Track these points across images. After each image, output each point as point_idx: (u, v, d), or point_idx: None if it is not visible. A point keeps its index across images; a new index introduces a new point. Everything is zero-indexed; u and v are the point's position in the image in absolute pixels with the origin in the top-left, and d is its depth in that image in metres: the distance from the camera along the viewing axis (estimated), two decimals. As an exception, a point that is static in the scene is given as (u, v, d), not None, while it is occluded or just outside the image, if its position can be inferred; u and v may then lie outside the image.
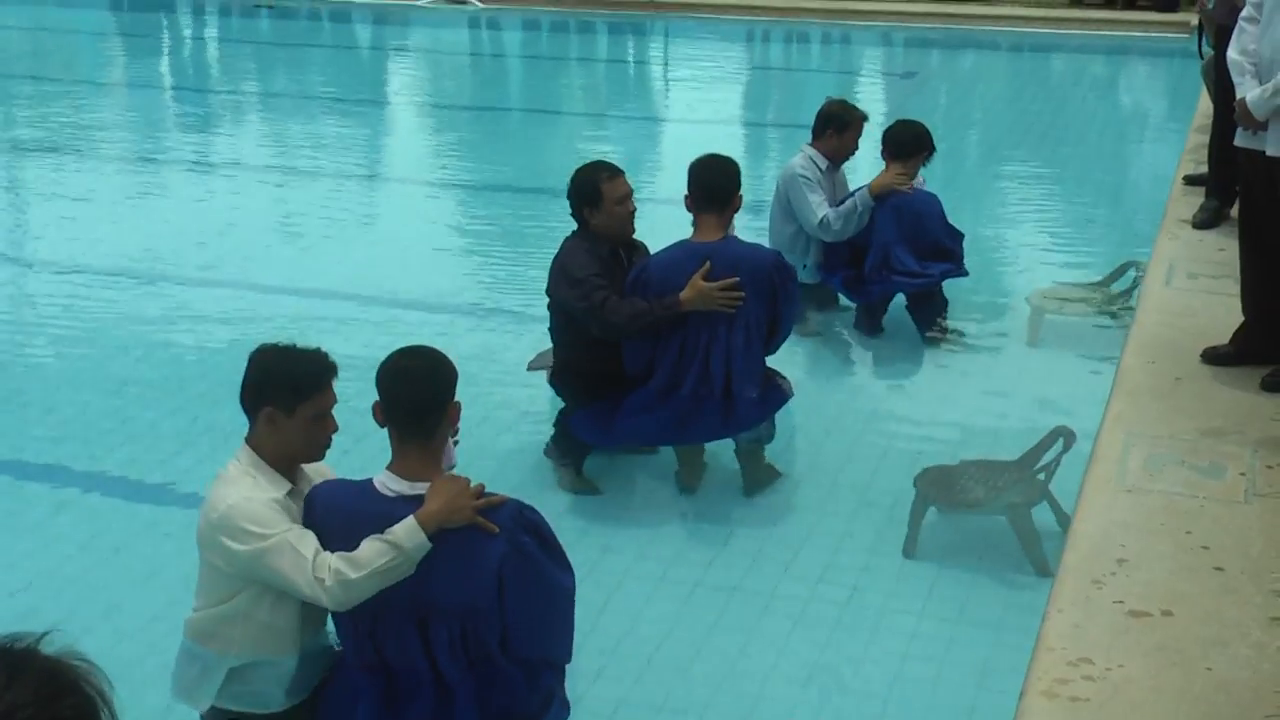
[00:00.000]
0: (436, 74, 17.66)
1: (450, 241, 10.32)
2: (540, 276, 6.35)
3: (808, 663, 5.07)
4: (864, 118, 8.07)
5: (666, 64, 18.38)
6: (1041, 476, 5.75)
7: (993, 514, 5.70)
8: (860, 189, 7.84)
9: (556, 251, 6.17)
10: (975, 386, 7.39)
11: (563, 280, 6.01)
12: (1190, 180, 8.85)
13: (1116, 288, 8.25)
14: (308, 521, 3.96)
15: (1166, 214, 8.45)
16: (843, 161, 8.14)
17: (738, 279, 5.85)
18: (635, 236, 6.31)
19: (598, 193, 6.02)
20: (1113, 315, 7.94)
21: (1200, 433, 5.56)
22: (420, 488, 3.90)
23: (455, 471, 4.18)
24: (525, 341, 7.50)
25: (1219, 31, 7.73)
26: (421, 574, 3.82)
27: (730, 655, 5.10)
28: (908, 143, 7.88)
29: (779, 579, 5.59)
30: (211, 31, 20.14)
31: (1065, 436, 5.81)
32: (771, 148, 12.90)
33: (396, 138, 14.26)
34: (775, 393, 6.16)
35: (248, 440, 4.10)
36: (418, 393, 3.99)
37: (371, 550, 3.79)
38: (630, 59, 18.70)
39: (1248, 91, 5.87)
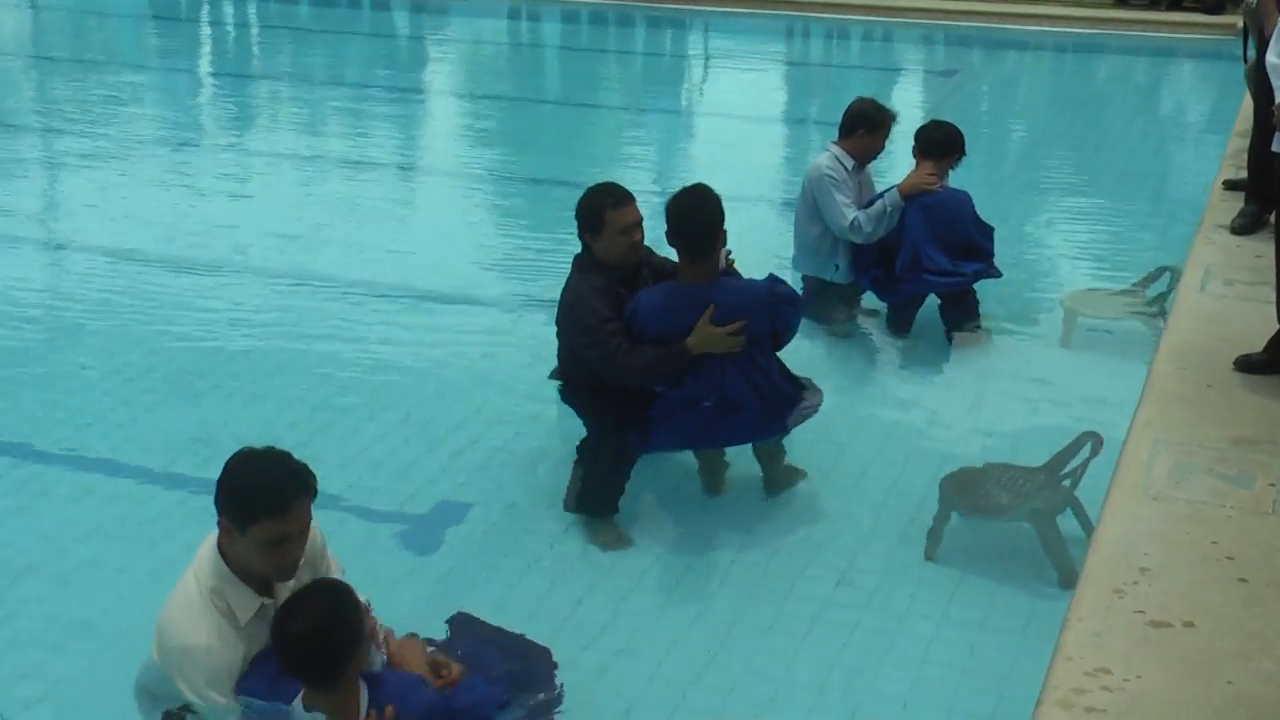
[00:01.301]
0: (474, 63, 17.67)
1: (482, 233, 10.32)
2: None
3: (825, 665, 5.03)
4: (894, 118, 8.00)
5: (705, 58, 18.34)
6: (1068, 482, 5.70)
7: (1017, 520, 5.66)
8: (890, 190, 7.79)
9: (565, 282, 5.98)
10: (1004, 389, 7.34)
11: (572, 324, 5.84)
12: (1230, 185, 8.78)
13: (1151, 292, 8.18)
14: None
15: (1205, 219, 8.38)
16: (869, 161, 8.06)
17: (744, 322, 5.70)
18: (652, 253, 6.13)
19: (600, 220, 5.78)
20: (1146, 320, 7.87)
21: (1230, 441, 5.50)
22: None
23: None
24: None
25: (1261, 36, 7.65)
26: None
27: (746, 656, 5.08)
28: (940, 142, 7.83)
29: (796, 580, 5.56)
30: (250, 16, 20.20)
31: (1093, 442, 5.75)
32: (810, 144, 12.83)
33: (432, 127, 14.26)
34: (807, 398, 6.10)
35: (218, 540, 3.91)
36: (311, 660, 3.71)
37: None
38: (668, 53, 18.67)
39: (1287, 96, 5.82)
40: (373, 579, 5.48)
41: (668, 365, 5.69)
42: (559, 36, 19.14)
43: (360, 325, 8.07)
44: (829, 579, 5.56)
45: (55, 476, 6.30)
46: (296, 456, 3.93)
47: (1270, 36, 6.19)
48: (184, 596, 3.86)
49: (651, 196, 11.34)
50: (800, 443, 6.35)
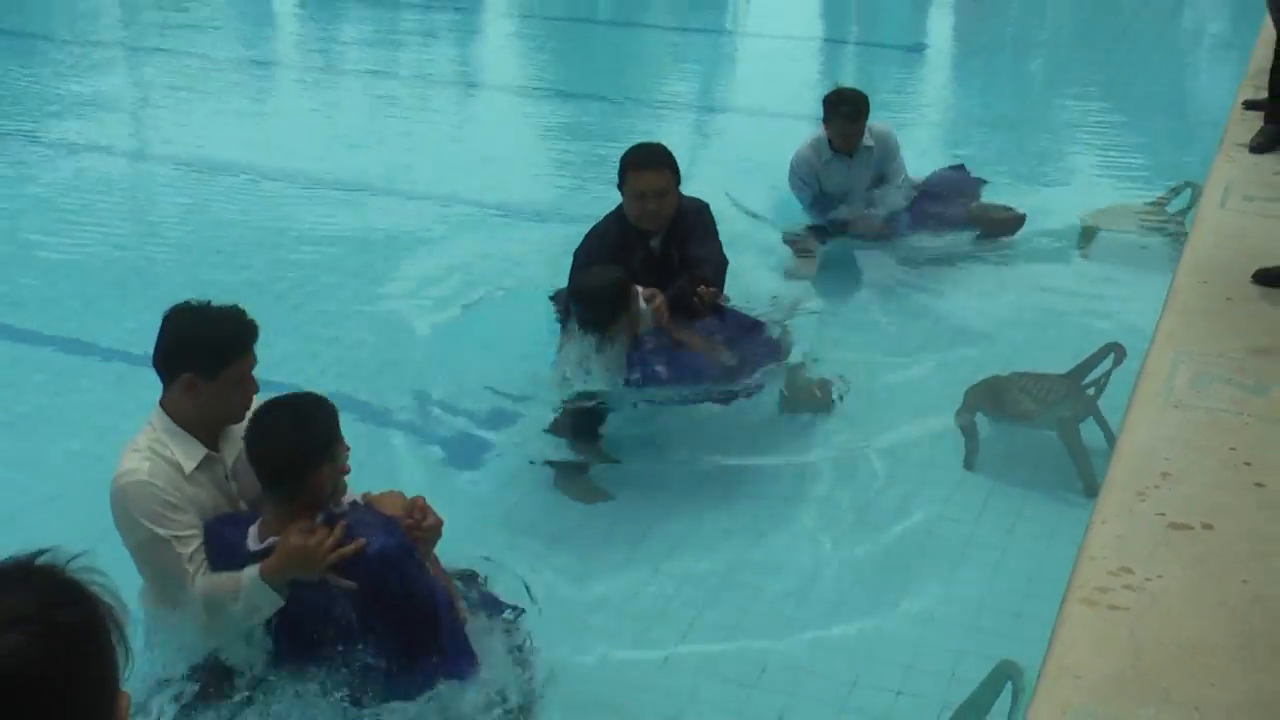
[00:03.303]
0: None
1: (538, 150, 10.29)
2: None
3: (858, 565, 5.06)
4: (845, 113, 7.38)
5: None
6: (1091, 391, 5.68)
7: (1042, 427, 5.64)
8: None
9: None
10: (1028, 301, 7.29)
11: (574, 265, 5.75)
12: (1250, 105, 8.62)
13: (1173, 207, 8.08)
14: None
15: (1225, 137, 8.24)
16: (846, 149, 7.53)
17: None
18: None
19: (624, 174, 5.76)
20: (1167, 234, 7.78)
21: (1248, 351, 5.44)
22: (273, 542, 3.66)
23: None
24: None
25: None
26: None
27: (778, 556, 5.10)
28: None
29: (832, 488, 5.57)
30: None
31: (1116, 352, 5.73)
32: (847, 66, 12.71)
33: (491, 45, 14.22)
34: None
35: (162, 403, 3.85)
36: (273, 454, 3.61)
37: (221, 584, 3.68)
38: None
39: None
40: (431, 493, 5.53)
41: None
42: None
43: (423, 241, 8.07)
44: (862, 488, 5.57)
45: (130, 380, 6.23)
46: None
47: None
48: (132, 447, 3.80)
49: (692, 113, 11.32)
50: (825, 353, 6.32)
